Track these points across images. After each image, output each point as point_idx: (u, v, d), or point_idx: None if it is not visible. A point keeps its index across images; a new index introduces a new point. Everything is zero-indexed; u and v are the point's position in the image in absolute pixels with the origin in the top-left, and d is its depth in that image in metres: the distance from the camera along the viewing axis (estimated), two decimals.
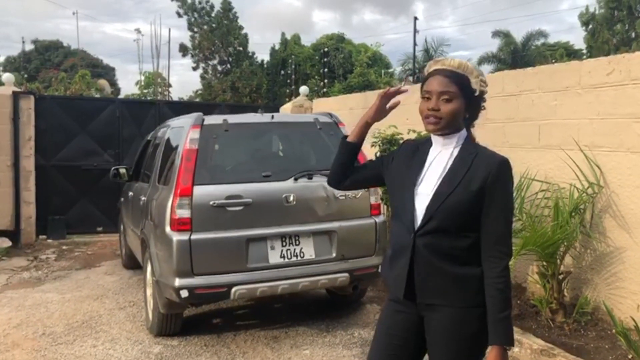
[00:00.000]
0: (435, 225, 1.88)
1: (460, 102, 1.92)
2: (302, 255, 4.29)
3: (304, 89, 10.23)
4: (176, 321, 4.40)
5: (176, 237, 4.02)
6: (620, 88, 4.14)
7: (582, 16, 25.16)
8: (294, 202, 4.30)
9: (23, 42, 38.31)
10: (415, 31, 27.56)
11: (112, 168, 6.50)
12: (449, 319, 1.91)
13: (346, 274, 4.34)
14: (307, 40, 28.34)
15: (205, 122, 4.41)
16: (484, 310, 1.88)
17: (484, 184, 1.87)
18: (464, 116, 1.96)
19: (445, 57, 2.04)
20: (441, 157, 1.97)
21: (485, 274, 1.89)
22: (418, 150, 2.06)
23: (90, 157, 8.90)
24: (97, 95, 15.11)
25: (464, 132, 1.99)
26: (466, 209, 1.87)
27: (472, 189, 1.87)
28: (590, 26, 24.66)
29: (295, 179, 4.38)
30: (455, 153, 1.96)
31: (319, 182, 4.43)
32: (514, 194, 4.62)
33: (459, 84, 1.92)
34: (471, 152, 1.94)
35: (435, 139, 2.01)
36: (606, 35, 23.08)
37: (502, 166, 1.89)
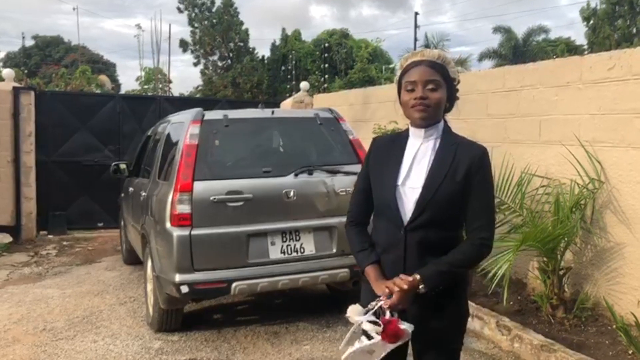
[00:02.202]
0: (427, 218, 1.89)
1: (444, 91, 1.94)
2: (302, 250, 4.29)
3: (304, 85, 10.22)
4: (176, 316, 4.41)
5: (176, 232, 4.02)
6: (622, 83, 4.12)
7: (583, 12, 25.06)
8: (295, 198, 4.30)
9: (23, 37, 38.37)
10: (416, 26, 27.47)
11: (113, 164, 6.50)
12: (442, 307, 1.93)
13: (346, 270, 4.33)
14: (305, 36, 28.25)
15: (206, 118, 4.41)
16: (466, 295, 2.02)
17: (468, 173, 1.89)
18: (445, 106, 1.97)
19: (422, 49, 2.04)
20: (424, 149, 1.96)
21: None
22: (394, 144, 2.04)
23: (90, 152, 8.91)
24: (98, 91, 15.07)
25: (442, 123, 1.99)
26: (455, 199, 1.89)
27: (458, 179, 1.89)
28: (592, 22, 24.56)
29: (296, 175, 4.38)
30: (438, 144, 1.96)
31: (320, 178, 4.43)
32: (515, 190, 4.62)
33: (441, 73, 1.93)
34: (453, 142, 1.96)
35: (415, 132, 1.99)
36: (607, 31, 22.99)
37: (484, 156, 1.93)
